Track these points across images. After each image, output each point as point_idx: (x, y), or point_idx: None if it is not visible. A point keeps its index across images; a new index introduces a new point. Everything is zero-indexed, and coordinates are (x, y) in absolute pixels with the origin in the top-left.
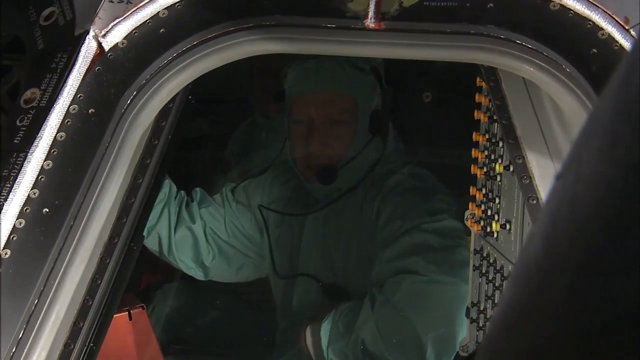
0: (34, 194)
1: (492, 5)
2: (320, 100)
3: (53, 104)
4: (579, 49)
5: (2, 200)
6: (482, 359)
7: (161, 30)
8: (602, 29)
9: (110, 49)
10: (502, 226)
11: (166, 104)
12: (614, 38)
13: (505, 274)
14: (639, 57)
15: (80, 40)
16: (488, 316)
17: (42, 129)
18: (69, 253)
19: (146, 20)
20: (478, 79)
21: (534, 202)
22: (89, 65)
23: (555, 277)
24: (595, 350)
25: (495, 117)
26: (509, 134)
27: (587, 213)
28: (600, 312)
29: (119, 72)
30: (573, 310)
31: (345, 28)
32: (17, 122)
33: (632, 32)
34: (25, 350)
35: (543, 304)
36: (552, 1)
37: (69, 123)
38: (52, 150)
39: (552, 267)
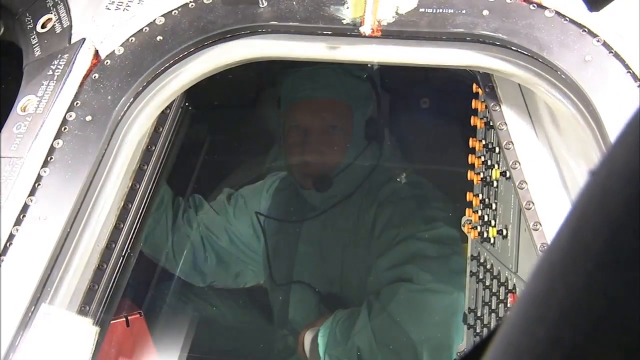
0: (31, 201)
1: (487, 12)
2: (316, 107)
3: (50, 111)
4: (574, 56)
5: None
6: (499, 347)
7: (158, 37)
8: (597, 35)
9: (107, 56)
10: (499, 232)
11: (163, 111)
12: (609, 44)
13: (502, 280)
14: None
15: (77, 47)
16: (485, 322)
17: (38, 135)
18: (66, 260)
19: (143, 28)
20: (474, 86)
21: (530, 208)
22: (86, 72)
23: (577, 267)
24: (615, 345)
25: (491, 123)
26: (505, 140)
27: (614, 205)
28: (619, 306)
29: (116, 79)
30: (592, 302)
31: (342, 34)
32: (14, 128)
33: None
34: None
35: (563, 294)
36: (547, 8)
37: (65, 130)
38: (49, 157)
39: (575, 257)
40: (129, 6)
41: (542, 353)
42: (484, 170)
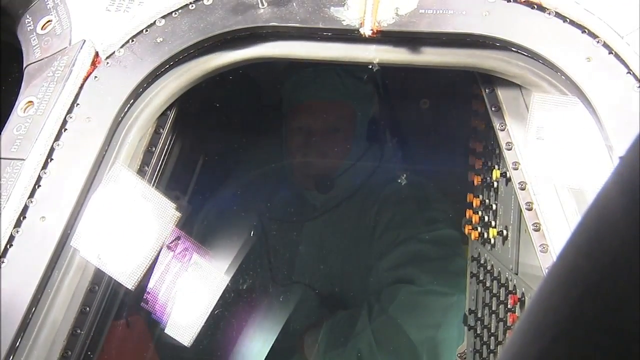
0: (31, 202)
1: (487, 13)
2: (318, 108)
3: (50, 113)
4: (575, 56)
5: None
6: (519, 330)
7: (158, 38)
8: (597, 36)
9: (107, 57)
10: (499, 233)
11: (163, 112)
12: (609, 45)
13: (502, 281)
14: None
15: (77, 48)
16: (485, 323)
17: (39, 137)
18: (66, 261)
19: (143, 29)
20: (474, 87)
21: (531, 209)
22: (86, 74)
23: (603, 245)
24: (638, 318)
25: (492, 124)
26: (505, 141)
27: None
28: None
29: (116, 80)
30: (617, 278)
31: (342, 35)
32: (14, 130)
33: (627, 41)
34: (23, 358)
35: (588, 271)
36: (548, 9)
37: (65, 131)
38: (49, 159)
39: (601, 236)
40: (129, 7)
41: (564, 330)
42: (484, 171)
